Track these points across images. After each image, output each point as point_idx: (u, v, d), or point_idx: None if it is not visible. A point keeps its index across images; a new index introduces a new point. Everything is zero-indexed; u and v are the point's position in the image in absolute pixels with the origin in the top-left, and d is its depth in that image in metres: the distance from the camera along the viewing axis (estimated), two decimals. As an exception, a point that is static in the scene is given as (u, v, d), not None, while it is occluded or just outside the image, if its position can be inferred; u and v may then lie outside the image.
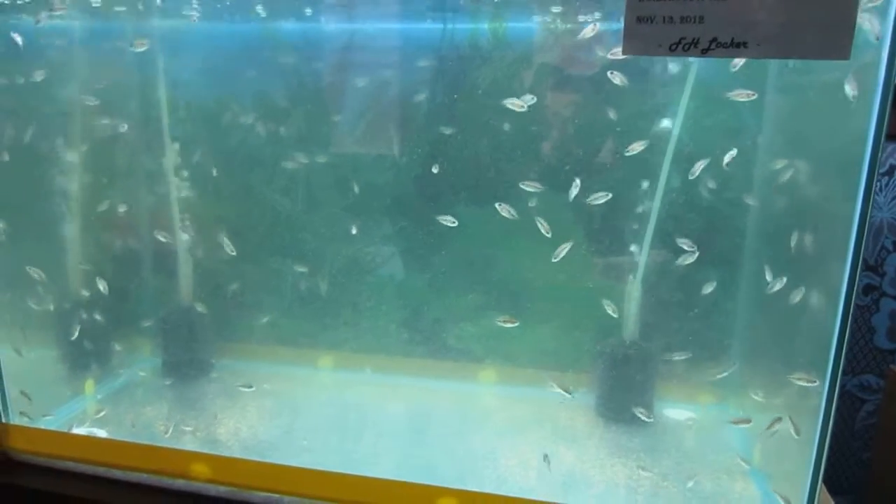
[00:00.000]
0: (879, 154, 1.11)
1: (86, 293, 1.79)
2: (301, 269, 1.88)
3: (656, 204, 1.65)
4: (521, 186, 1.62)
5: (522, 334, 1.84)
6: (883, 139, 1.10)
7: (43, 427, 1.60)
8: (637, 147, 1.52)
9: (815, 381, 1.29)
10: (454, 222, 1.67)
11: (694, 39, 0.96)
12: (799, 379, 1.33)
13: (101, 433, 1.61)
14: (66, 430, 1.63)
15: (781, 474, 1.44)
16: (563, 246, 1.60)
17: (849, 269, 1.19)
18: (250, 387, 1.77)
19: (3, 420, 1.57)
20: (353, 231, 1.83)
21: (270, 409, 1.73)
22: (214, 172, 1.83)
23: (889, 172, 2.00)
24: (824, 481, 1.29)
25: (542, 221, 1.59)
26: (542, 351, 1.84)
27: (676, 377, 1.75)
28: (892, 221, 2.01)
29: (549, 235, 1.59)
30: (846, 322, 1.21)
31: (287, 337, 1.94)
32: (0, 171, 1.70)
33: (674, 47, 0.96)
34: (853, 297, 1.19)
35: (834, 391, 1.25)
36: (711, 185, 1.62)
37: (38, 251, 1.79)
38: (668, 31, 0.96)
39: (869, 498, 2.02)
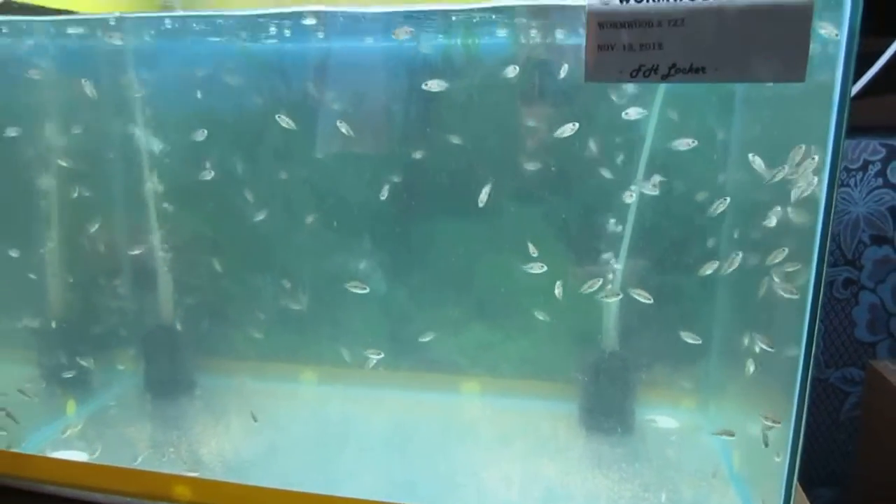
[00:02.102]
0: (841, 149, 1.10)
1: (64, 312, 1.79)
2: (282, 283, 1.88)
3: (632, 212, 1.66)
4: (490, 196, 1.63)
5: (505, 345, 1.86)
6: (843, 135, 1.09)
7: (22, 451, 1.60)
8: (568, 130, 1.51)
9: (777, 422, 1.33)
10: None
11: (654, 66, 0.96)
12: (765, 419, 1.36)
13: (82, 456, 1.61)
14: (45, 454, 1.62)
15: (760, 477, 1.46)
16: (535, 264, 1.63)
17: (815, 263, 1.20)
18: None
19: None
20: (333, 243, 1.83)
21: (253, 427, 1.73)
22: (194, 187, 1.83)
23: (863, 168, 2.01)
24: (809, 474, 1.29)
25: (530, 245, 1.63)
26: (524, 361, 1.86)
27: (656, 383, 1.77)
28: (868, 216, 2.02)
29: (534, 255, 1.63)
30: (815, 317, 1.22)
31: (269, 352, 1.95)
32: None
33: (635, 74, 0.97)
34: (821, 290, 1.20)
35: (805, 392, 1.26)
36: (681, 188, 1.63)
37: (14, 268, 1.79)
38: (628, 59, 0.97)
39: (854, 488, 2.07)
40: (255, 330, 1.91)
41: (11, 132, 1.72)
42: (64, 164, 1.79)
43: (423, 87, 1.58)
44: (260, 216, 1.81)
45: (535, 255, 1.64)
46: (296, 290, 1.88)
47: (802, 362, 1.23)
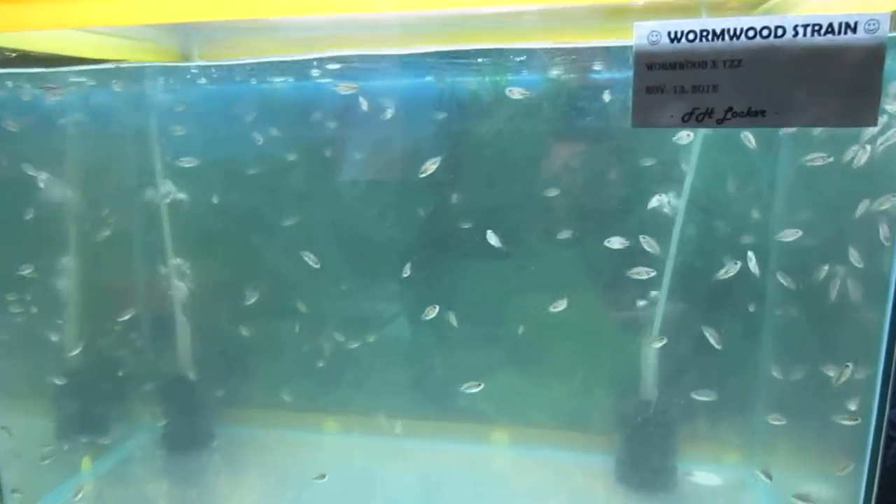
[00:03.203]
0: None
1: (83, 364, 1.73)
2: (304, 329, 1.81)
3: (671, 254, 1.58)
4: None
5: (536, 392, 1.77)
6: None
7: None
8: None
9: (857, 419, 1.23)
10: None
11: (708, 109, 0.89)
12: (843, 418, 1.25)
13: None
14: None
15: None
16: (559, 302, 1.56)
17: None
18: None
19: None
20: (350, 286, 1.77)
21: (276, 482, 1.66)
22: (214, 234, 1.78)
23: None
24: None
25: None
26: (557, 410, 1.77)
27: (699, 436, 1.66)
28: None
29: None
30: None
31: (291, 400, 1.87)
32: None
33: (686, 118, 0.89)
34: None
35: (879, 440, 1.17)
36: (729, 229, 1.56)
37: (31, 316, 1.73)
38: (679, 102, 0.90)
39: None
40: (276, 378, 1.85)
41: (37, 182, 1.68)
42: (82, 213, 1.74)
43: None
44: (282, 262, 1.75)
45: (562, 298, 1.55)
46: (319, 336, 1.81)
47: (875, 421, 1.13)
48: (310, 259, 1.65)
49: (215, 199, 1.74)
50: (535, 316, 1.69)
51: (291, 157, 1.72)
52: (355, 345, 1.80)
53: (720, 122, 0.88)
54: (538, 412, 1.77)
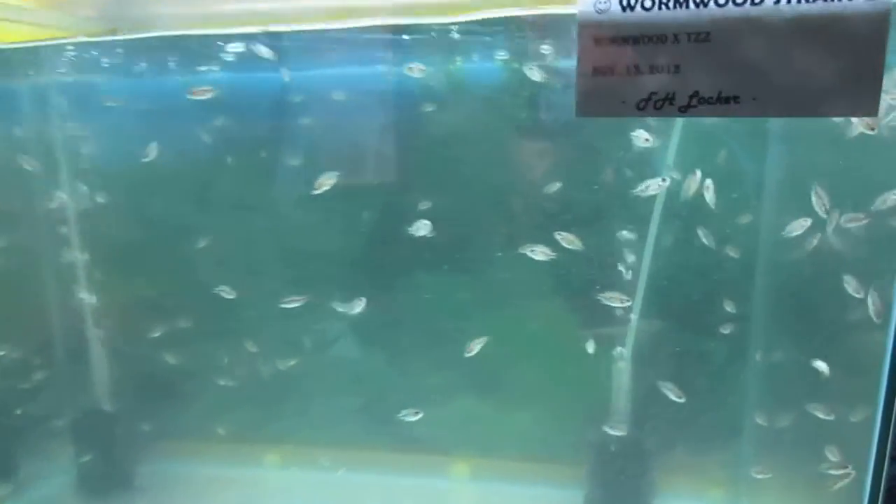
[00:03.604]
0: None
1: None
2: (239, 351, 1.62)
3: (644, 268, 1.42)
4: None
5: (499, 419, 1.60)
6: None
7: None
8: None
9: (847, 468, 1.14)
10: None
11: (668, 95, 0.71)
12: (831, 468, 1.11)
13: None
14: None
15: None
16: (478, 341, 1.43)
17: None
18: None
19: None
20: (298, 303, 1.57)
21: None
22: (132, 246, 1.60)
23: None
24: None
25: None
26: (522, 439, 1.60)
27: (677, 468, 1.52)
28: None
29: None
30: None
31: (225, 432, 1.68)
32: None
33: (643, 105, 0.72)
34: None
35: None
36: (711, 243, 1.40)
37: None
38: (634, 85, 0.72)
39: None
40: (208, 406, 1.66)
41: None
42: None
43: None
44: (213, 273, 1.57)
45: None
46: (257, 359, 1.63)
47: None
48: (226, 291, 1.49)
49: (128, 204, 1.55)
50: (498, 334, 1.52)
51: (220, 157, 1.53)
52: (298, 369, 1.62)
53: (683, 111, 0.71)
54: (501, 441, 1.61)
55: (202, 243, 1.56)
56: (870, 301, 1.18)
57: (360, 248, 1.59)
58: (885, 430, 0.97)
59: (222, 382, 1.63)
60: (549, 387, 1.56)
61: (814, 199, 1.21)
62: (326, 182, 1.37)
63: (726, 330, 1.40)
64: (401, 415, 1.48)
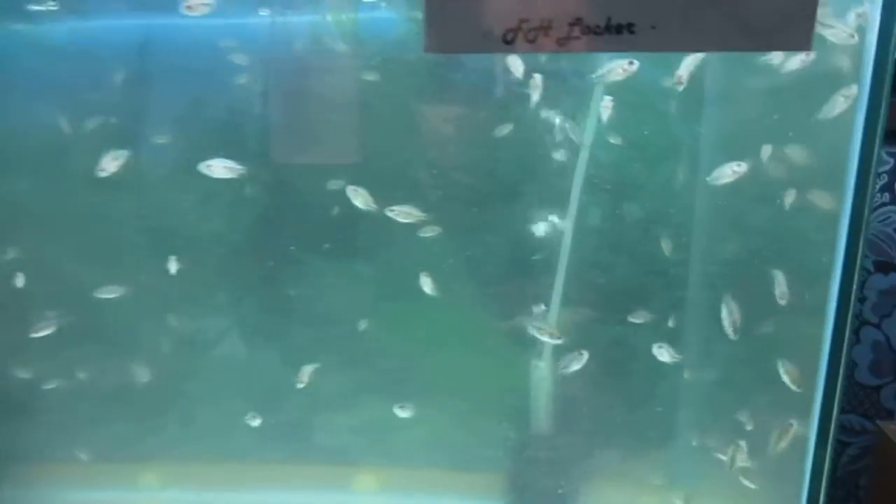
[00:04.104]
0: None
1: None
2: (104, 354, 1.45)
3: (564, 251, 1.28)
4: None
5: (409, 424, 1.47)
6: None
7: None
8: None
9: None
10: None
11: (543, 23, 0.51)
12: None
13: None
14: None
15: None
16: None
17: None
18: None
19: None
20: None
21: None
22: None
23: (865, 184, 1.71)
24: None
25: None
26: (436, 447, 1.49)
27: (607, 475, 1.43)
28: (872, 239, 1.76)
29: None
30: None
31: (91, 450, 1.50)
32: None
33: (510, 38, 0.52)
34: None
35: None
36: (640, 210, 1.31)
37: None
38: (498, 11, 0.51)
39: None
40: (71, 421, 1.48)
41: None
42: None
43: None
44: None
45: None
46: (126, 361, 1.45)
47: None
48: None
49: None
50: (407, 328, 1.43)
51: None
52: (177, 373, 1.47)
53: (562, 44, 0.51)
54: (411, 449, 1.49)
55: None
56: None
57: (243, 232, 1.42)
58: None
59: (87, 392, 1.46)
60: (466, 386, 1.43)
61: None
62: (111, 164, 1.16)
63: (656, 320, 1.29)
64: (247, 418, 1.39)
